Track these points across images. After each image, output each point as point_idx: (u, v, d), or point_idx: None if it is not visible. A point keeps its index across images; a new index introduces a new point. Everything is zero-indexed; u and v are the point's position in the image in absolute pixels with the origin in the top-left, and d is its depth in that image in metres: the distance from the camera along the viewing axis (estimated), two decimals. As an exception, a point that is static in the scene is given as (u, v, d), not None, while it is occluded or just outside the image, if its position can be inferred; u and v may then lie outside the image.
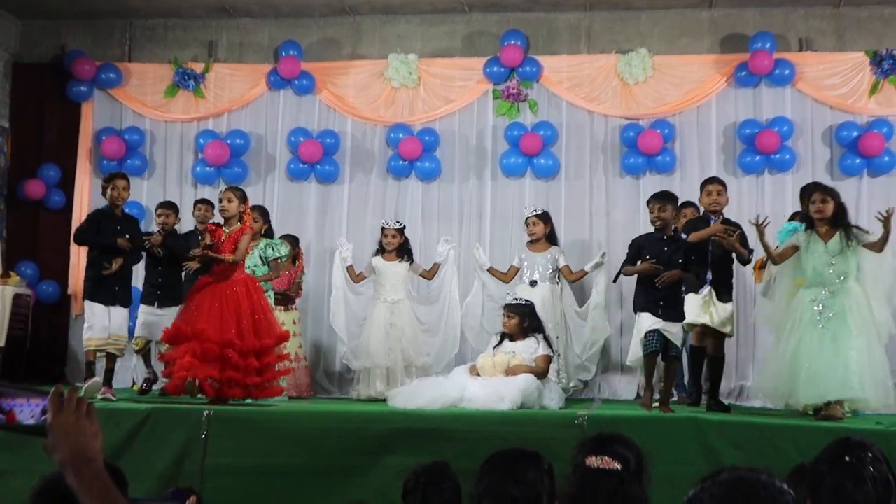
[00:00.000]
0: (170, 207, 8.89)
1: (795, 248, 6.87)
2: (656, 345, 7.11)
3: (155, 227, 8.83)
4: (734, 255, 7.62)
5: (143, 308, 8.51)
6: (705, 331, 7.55)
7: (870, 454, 2.73)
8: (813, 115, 9.74)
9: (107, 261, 7.83)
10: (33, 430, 1.98)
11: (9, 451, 6.26)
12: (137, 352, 8.72)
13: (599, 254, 8.82)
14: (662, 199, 7.37)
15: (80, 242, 8.51)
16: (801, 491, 2.66)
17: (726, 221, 7.61)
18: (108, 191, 7.95)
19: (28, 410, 1.98)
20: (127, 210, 9.15)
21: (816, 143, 9.73)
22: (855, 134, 9.47)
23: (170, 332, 7.28)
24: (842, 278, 6.62)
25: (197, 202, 9.31)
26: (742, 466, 2.08)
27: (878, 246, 6.68)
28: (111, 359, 7.95)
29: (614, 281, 8.27)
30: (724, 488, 2.00)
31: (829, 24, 9.87)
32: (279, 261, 8.29)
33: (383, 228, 8.79)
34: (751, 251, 7.74)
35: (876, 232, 6.75)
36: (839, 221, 6.76)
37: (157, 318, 8.35)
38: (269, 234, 8.54)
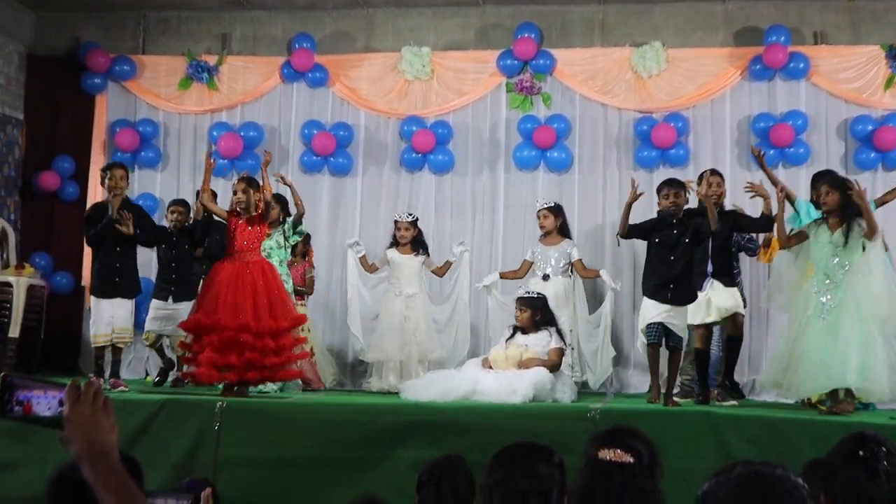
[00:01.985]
0: (182, 205, 8.91)
1: (805, 237, 6.85)
2: (657, 336, 7.12)
3: (167, 223, 8.81)
4: (732, 243, 7.74)
5: (155, 303, 8.46)
6: (709, 331, 7.48)
7: (884, 449, 2.73)
8: (828, 108, 9.68)
9: (117, 248, 7.86)
10: (50, 422, 1.99)
11: (21, 442, 6.30)
12: (150, 346, 8.74)
13: (611, 286, 8.59)
14: (677, 185, 7.43)
15: (92, 243, 8.34)
16: (816, 485, 2.66)
17: (724, 213, 7.66)
18: (106, 180, 7.97)
19: (45, 402, 1.99)
20: (140, 202, 9.18)
21: (831, 137, 9.68)
22: (870, 128, 9.42)
23: (189, 323, 7.33)
24: (845, 270, 6.59)
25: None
26: (756, 461, 2.07)
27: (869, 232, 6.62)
28: (117, 351, 8.01)
29: (619, 240, 8.16)
30: (738, 482, 2.00)
31: (844, 18, 9.81)
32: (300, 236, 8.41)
33: (396, 222, 8.79)
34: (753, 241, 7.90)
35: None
36: (848, 214, 6.68)
37: (170, 312, 8.34)
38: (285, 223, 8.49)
